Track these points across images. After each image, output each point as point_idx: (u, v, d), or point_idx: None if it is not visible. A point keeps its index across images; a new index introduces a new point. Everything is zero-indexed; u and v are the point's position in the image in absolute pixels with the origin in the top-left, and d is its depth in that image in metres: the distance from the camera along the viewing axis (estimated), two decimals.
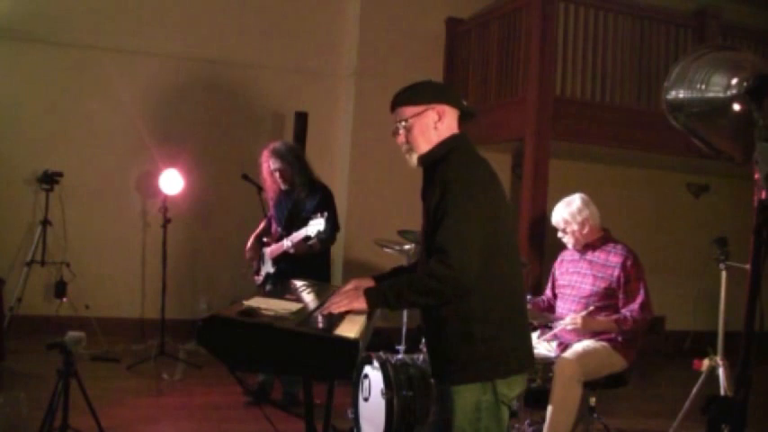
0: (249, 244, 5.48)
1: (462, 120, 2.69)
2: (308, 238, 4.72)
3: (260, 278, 5.37)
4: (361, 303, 2.52)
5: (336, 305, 2.53)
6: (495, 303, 2.51)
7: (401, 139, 2.67)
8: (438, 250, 2.42)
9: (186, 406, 5.28)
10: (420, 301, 2.50)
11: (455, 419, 2.50)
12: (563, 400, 3.95)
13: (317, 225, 4.57)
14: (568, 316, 4.23)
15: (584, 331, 4.19)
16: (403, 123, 2.64)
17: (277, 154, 5.12)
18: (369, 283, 2.74)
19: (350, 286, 2.73)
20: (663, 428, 4.80)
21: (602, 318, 4.16)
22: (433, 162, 2.61)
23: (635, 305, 4.12)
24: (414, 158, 2.67)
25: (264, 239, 5.37)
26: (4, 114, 6.98)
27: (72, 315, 6.49)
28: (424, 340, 4.54)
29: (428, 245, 2.54)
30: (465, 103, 2.75)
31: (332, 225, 4.90)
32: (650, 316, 4.15)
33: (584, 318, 4.14)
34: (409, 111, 2.63)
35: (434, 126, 2.61)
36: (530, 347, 2.69)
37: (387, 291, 2.53)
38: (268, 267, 5.26)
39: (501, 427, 2.52)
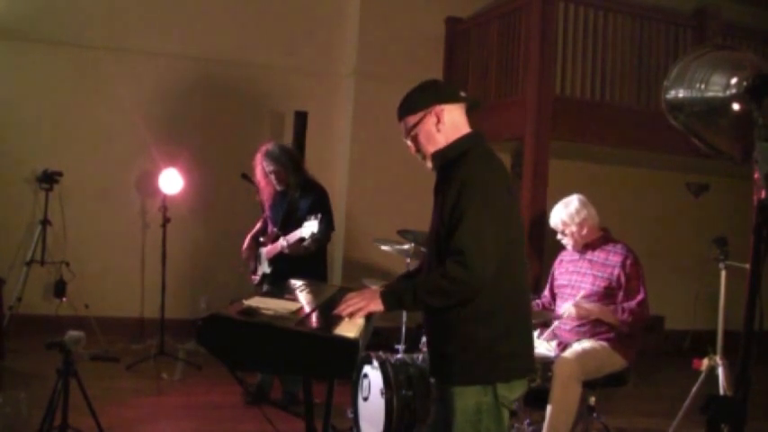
0: (245, 244, 5.50)
1: (468, 110, 2.69)
2: (302, 239, 4.74)
3: (257, 278, 5.39)
4: (377, 305, 2.53)
5: (352, 307, 2.53)
6: (502, 305, 2.51)
7: (412, 149, 2.69)
8: (456, 252, 2.42)
9: (186, 405, 5.28)
10: (435, 303, 2.49)
11: (456, 420, 2.50)
12: (562, 400, 3.95)
13: (310, 227, 4.60)
14: (562, 308, 4.24)
15: (580, 317, 4.17)
16: (409, 135, 2.66)
17: (271, 156, 5.15)
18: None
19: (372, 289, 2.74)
20: (662, 428, 4.80)
21: (595, 305, 4.16)
22: (448, 161, 2.60)
23: (633, 303, 4.11)
24: (428, 164, 2.68)
25: (261, 239, 5.39)
26: (3, 114, 6.98)
27: (71, 314, 6.48)
28: (424, 339, 4.55)
29: (440, 242, 2.53)
30: (463, 94, 2.73)
31: (326, 225, 4.92)
32: (647, 314, 4.15)
33: (576, 304, 4.14)
34: (410, 120, 2.65)
35: (437, 129, 2.61)
36: (532, 351, 2.69)
37: (403, 292, 2.54)
38: (265, 267, 5.28)
39: (501, 429, 2.52)
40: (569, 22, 6.88)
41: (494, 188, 2.49)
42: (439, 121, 2.60)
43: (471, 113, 2.71)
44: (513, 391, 2.55)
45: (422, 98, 2.66)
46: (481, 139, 2.66)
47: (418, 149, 2.67)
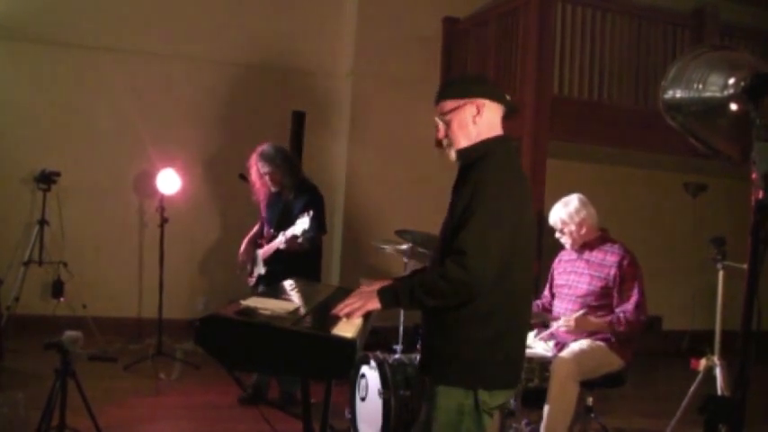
0: (242, 248, 5.51)
1: (506, 115, 2.67)
2: (295, 236, 4.76)
3: (253, 279, 5.39)
4: (374, 304, 2.51)
5: (350, 307, 2.51)
6: (498, 310, 2.49)
7: (441, 133, 2.65)
8: (457, 251, 2.40)
9: (184, 406, 5.28)
10: (432, 303, 2.47)
11: (438, 418, 2.50)
12: (560, 400, 3.95)
13: (302, 224, 4.64)
14: (563, 317, 4.24)
15: (578, 331, 4.19)
16: (443, 118, 2.62)
17: (266, 157, 5.17)
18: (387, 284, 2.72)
19: (368, 288, 2.71)
20: (660, 428, 4.81)
21: (595, 319, 4.16)
22: (471, 160, 2.58)
23: (629, 305, 4.10)
24: (452, 153, 2.65)
25: (258, 242, 5.40)
26: (2, 114, 6.97)
27: (69, 315, 6.48)
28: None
29: (448, 241, 2.51)
30: (508, 97, 2.70)
31: (317, 225, 4.95)
32: (644, 317, 4.13)
33: (577, 319, 4.14)
34: (448, 105, 2.61)
35: (473, 120, 2.58)
36: (521, 362, 2.69)
37: (400, 290, 2.51)
38: (260, 269, 5.28)
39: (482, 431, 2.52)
40: (567, 22, 6.89)
41: (506, 195, 2.47)
42: (478, 113, 2.57)
43: (509, 117, 2.69)
44: (495, 399, 2.54)
45: (469, 86, 2.64)
46: (507, 144, 2.65)
47: (447, 134, 2.63)
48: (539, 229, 6.04)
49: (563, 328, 4.19)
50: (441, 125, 2.64)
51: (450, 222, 2.54)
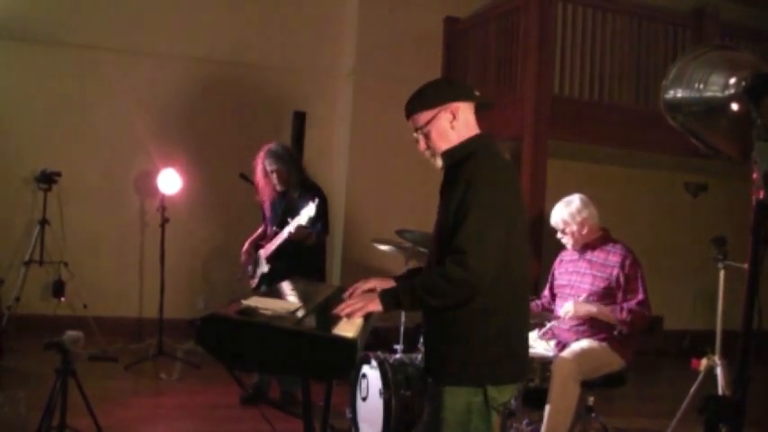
0: (245, 248, 5.51)
1: (478, 110, 2.66)
2: (302, 226, 4.77)
3: (255, 281, 5.38)
4: (376, 305, 2.51)
5: (351, 307, 2.51)
6: (500, 307, 2.49)
7: (422, 146, 2.65)
8: (456, 251, 2.40)
9: (184, 406, 5.28)
10: (433, 303, 2.47)
11: (446, 419, 2.50)
12: (561, 400, 3.95)
13: (307, 212, 4.66)
14: (562, 308, 4.23)
15: (580, 315, 4.17)
16: (421, 131, 2.62)
17: (274, 155, 5.18)
18: (388, 283, 2.71)
19: (369, 285, 2.72)
20: (661, 428, 4.80)
21: (596, 307, 4.14)
22: (456, 162, 2.58)
23: (632, 303, 4.11)
24: (438, 161, 2.64)
25: (260, 243, 5.40)
26: (3, 114, 6.98)
27: (70, 314, 6.48)
28: (422, 339, 4.54)
29: (443, 242, 2.51)
30: (477, 93, 2.70)
31: (322, 225, 4.96)
32: (648, 314, 4.14)
33: (576, 304, 4.13)
34: (423, 117, 2.60)
35: (451, 126, 2.58)
36: (526, 357, 2.69)
37: (401, 292, 2.52)
38: (263, 268, 5.28)
39: (490, 429, 2.52)
40: (567, 22, 6.89)
41: (500, 191, 2.48)
42: (454, 117, 2.57)
43: (482, 112, 2.70)
44: (503, 394, 2.54)
45: (438, 94, 2.63)
46: (490, 141, 2.64)
47: (428, 146, 2.63)
48: (540, 229, 6.07)
49: (565, 314, 4.17)
50: (420, 138, 2.64)
51: (445, 222, 2.53)
